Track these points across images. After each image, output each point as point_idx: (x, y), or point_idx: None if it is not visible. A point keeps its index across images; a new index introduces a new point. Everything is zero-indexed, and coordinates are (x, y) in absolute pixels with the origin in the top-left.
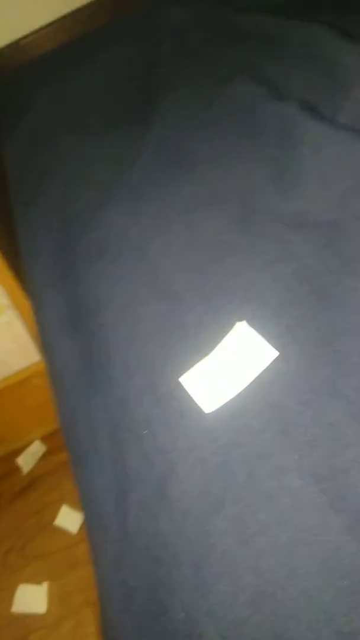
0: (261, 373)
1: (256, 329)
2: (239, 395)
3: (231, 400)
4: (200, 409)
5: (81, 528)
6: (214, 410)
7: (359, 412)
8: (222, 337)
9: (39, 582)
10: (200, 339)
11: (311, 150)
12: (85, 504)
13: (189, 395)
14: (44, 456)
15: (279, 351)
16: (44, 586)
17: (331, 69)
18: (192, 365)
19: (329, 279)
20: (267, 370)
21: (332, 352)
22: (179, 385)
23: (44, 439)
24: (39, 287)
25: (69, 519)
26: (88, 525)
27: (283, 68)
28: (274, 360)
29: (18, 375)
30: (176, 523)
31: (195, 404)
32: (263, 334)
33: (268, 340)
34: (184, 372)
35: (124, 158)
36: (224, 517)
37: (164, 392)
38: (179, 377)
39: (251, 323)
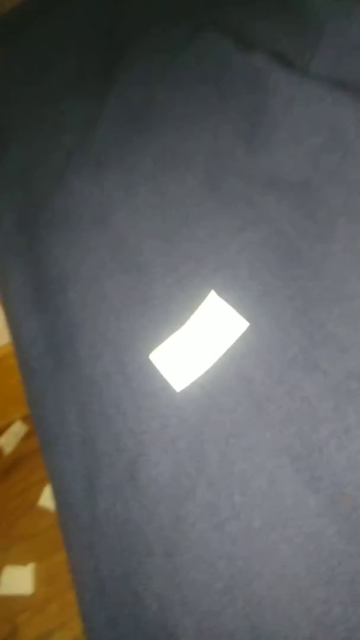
0: (232, 346)
1: (226, 299)
2: (209, 370)
3: (202, 376)
4: (171, 387)
5: None
6: (184, 387)
7: (335, 385)
8: (192, 309)
9: (24, 564)
10: (169, 313)
11: (282, 104)
12: (55, 491)
13: (159, 373)
14: (26, 436)
15: (250, 322)
16: (30, 567)
17: (302, 15)
18: (162, 341)
19: (303, 243)
20: (238, 342)
21: (307, 321)
22: (149, 362)
23: (25, 419)
24: (3, 259)
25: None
26: (59, 513)
27: (251, 17)
28: (245, 332)
29: None
30: (147, 509)
31: (166, 381)
32: (234, 304)
33: (239, 311)
34: (154, 349)
35: (87, 119)
36: (197, 501)
37: (133, 371)
38: (149, 354)
39: (221, 293)
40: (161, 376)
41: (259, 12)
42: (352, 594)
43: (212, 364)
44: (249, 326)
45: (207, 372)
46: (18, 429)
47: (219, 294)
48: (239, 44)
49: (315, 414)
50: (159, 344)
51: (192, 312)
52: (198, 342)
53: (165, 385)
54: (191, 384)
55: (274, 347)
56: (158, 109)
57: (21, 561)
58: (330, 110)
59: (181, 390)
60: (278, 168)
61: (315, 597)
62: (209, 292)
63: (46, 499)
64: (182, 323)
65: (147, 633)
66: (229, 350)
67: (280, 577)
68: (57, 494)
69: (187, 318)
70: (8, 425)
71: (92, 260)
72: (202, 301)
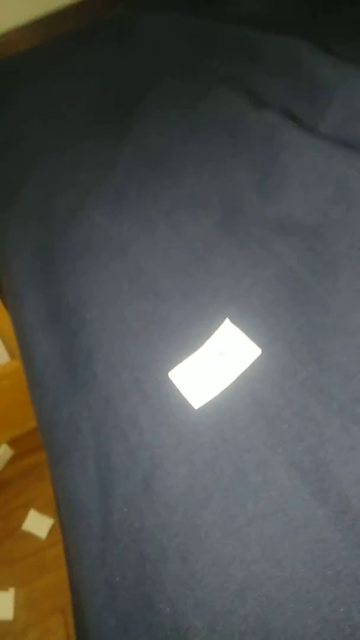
0: (246, 370)
1: (240, 327)
2: (224, 391)
3: (217, 396)
4: (189, 404)
5: (50, 533)
6: (201, 405)
7: (340, 408)
8: (208, 335)
9: (5, 589)
10: (186, 337)
11: (294, 158)
12: (63, 504)
13: (177, 391)
14: (12, 460)
15: (262, 348)
16: (11, 592)
17: (311, 82)
18: (179, 362)
19: (311, 281)
20: (252, 367)
21: (315, 350)
22: (168, 380)
23: (12, 443)
24: (19, 284)
25: (37, 523)
26: (66, 526)
27: (264, 79)
28: (258, 358)
29: None
30: (163, 517)
31: (184, 399)
32: (247, 333)
33: (252, 339)
34: (172, 369)
35: (105, 159)
36: (212, 510)
37: (152, 388)
38: (167, 373)
39: (235, 322)
40: (179, 394)
41: (271, 73)
42: (356, 594)
43: (227, 385)
44: (261, 352)
45: (222, 393)
46: (4, 452)
47: (233, 322)
48: (252, 101)
49: (322, 433)
50: (177, 365)
51: (208, 338)
52: (214, 365)
53: (182, 403)
54: (207, 402)
55: (284, 372)
56: (174, 155)
57: (2, 586)
58: (338, 167)
59: (198, 408)
60: (288, 214)
61: (322, 598)
62: (224, 320)
63: (30, 524)
64: (198, 347)
65: (158, 635)
66: (242, 373)
67: (290, 580)
68: (66, 507)
69: (203, 343)
70: None
71: (110, 286)
72: (217, 328)
